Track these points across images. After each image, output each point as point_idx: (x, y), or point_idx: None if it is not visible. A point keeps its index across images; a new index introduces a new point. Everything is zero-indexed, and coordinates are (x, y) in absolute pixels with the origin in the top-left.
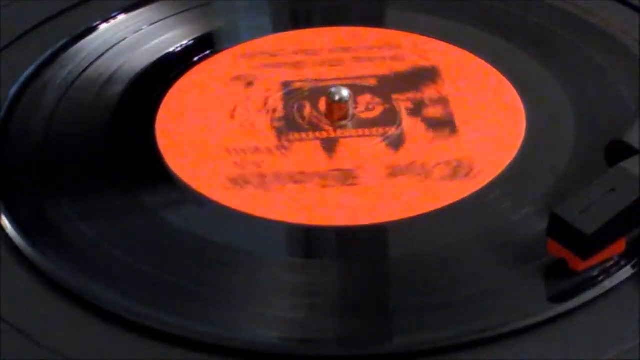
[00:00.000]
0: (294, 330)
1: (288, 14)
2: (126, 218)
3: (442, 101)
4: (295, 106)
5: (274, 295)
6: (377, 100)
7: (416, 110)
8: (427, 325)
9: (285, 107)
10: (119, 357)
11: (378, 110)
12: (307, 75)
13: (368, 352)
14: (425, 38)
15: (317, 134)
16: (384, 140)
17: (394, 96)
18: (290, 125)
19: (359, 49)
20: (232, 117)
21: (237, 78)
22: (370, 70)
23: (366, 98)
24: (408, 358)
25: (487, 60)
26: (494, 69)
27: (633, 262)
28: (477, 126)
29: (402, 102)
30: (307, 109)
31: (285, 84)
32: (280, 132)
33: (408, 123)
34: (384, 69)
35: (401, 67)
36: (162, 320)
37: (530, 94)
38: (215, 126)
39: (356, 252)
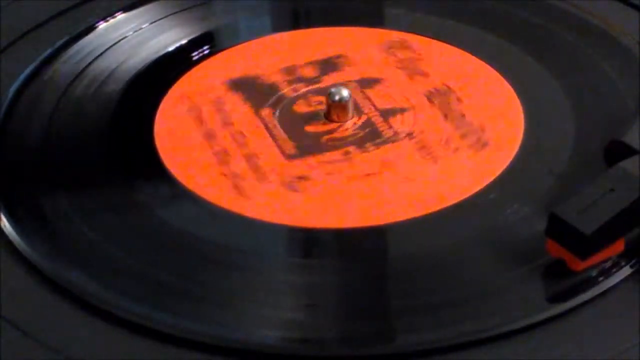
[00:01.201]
0: (294, 330)
1: (288, 14)
2: (125, 218)
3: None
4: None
5: (274, 296)
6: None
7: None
8: (426, 326)
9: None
10: (119, 357)
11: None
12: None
13: (368, 352)
14: (424, 38)
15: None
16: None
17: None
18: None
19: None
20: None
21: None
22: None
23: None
24: (408, 358)
25: (486, 61)
26: (493, 69)
27: (632, 262)
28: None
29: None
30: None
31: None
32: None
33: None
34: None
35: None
36: (161, 320)
37: (530, 93)
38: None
39: (356, 252)
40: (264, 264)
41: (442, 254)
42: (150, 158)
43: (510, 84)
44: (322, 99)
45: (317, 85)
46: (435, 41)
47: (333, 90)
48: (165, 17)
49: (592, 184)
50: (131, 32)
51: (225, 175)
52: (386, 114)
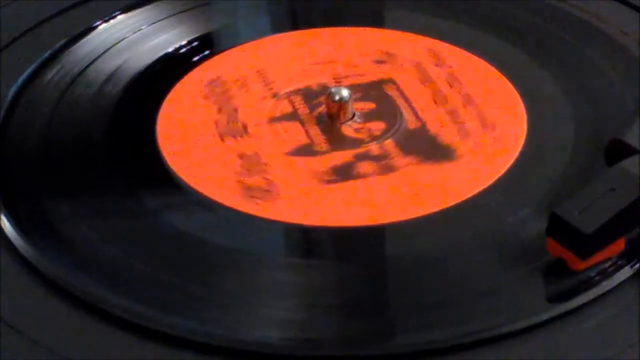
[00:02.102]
0: (294, 330)
1: (288, 14)
2: (126, 218)
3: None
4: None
5: (273, 296)
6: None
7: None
8: (426, 326)
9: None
10: (119, 357)
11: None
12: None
13: (368, 352)
14: (425, 39)
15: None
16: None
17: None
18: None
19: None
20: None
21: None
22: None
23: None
24: (408, 358)
25: (486, 61)
26: (493, 69)
27: (632, 263)
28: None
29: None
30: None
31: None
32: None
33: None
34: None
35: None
36: (161, 320)
37: (530, 94)
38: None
39: (356, 252)
40: (264, 264)
41: (442, 254)
42: (151, 158)
43: (511, 84)
44: (321, 99)
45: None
46: (433, 40)
47: (333, 90)
48: (165, 18)
49: (593, 183)
50: (131, 33)
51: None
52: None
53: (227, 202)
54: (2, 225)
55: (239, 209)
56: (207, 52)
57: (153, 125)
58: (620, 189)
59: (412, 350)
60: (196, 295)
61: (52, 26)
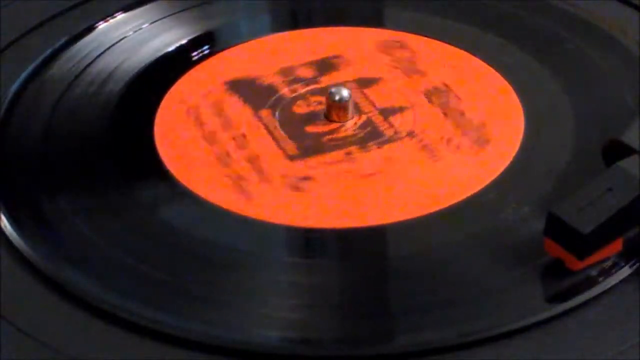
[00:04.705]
0: (294, 330)
1: (288, 14)
2: (125, 218)
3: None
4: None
5: (274, 296)
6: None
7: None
8: (426, 326)
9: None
10: (119, 357)
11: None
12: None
13: (368, 352)
14: (422, 37)
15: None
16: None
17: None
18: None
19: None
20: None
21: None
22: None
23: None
24: (408, 358)
25: (486, 60)
26: (492, 69)
27: (631, 262)
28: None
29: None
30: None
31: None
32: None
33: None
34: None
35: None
36: (161, 320)
37: (529, 93)
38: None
39: (356, 252)
40: (265, 264)
41: (442, 254)
42: (150, 158)
43: (510, 84)
44: (321, 99)
45: (315, 86)
46: (433, 40)
47: (333, 90)
48: (165, 17)
49: (591, 183)
50: (131, 32)
51: (224, 175)
52: (386, 113)
53: (226, 202)
54: (2, 224)
55: (238, 209)
56: (207, 52)
57: (152, 125)
58: (618, 189)
59: (412, 350)
60: (196, 295)
61: (52, 26)
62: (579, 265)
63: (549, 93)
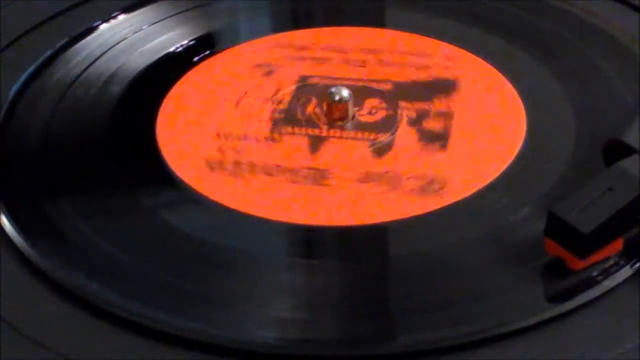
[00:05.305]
0: (294, 330)
1: (288, 14)
2: (126, 218)
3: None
4: (301, 100)
5: (274, 296)
6: (383, 105)
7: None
8: (426, 325)
9: (291, 100)
10: (119, 357)
11: (380, 115)
12: (328, 72)
13: (368, 352)
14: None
15: (310, 130)
16: (370, 145)
17: (402, 104)
18: (288, 118)
19: (387, 52)
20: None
21: (258, 65)
22: (391, 74)
23: (373, 102)
24: (408, 358)
25: (486, 60)
26: (493, 69)
27: (632, 263)
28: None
29: (407, 111)
30: (311, 105)
31: (302, 78)
32: (275, 124)
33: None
34: (405, 75)
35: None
36: (161, 320)
37: (530, 94)
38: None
39: (356, 252)
40: (265, 263)
41: (442, 254)
42: (151, 158)
43: (512, 84)
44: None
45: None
46: (436, 41)
47: (333, 90)
48: (166, 18)
49: (591, 183)
50: (132, 33)
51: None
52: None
53: (227, 201)
54: (2, 224)
55: (239, 208)
56: (207, 52)
57: (153, 125)
58: (619, 189)
59: (412, 350)
60: (197, 294)
61: (53, 26)
62: (580, 265)
63: (549, 93)
